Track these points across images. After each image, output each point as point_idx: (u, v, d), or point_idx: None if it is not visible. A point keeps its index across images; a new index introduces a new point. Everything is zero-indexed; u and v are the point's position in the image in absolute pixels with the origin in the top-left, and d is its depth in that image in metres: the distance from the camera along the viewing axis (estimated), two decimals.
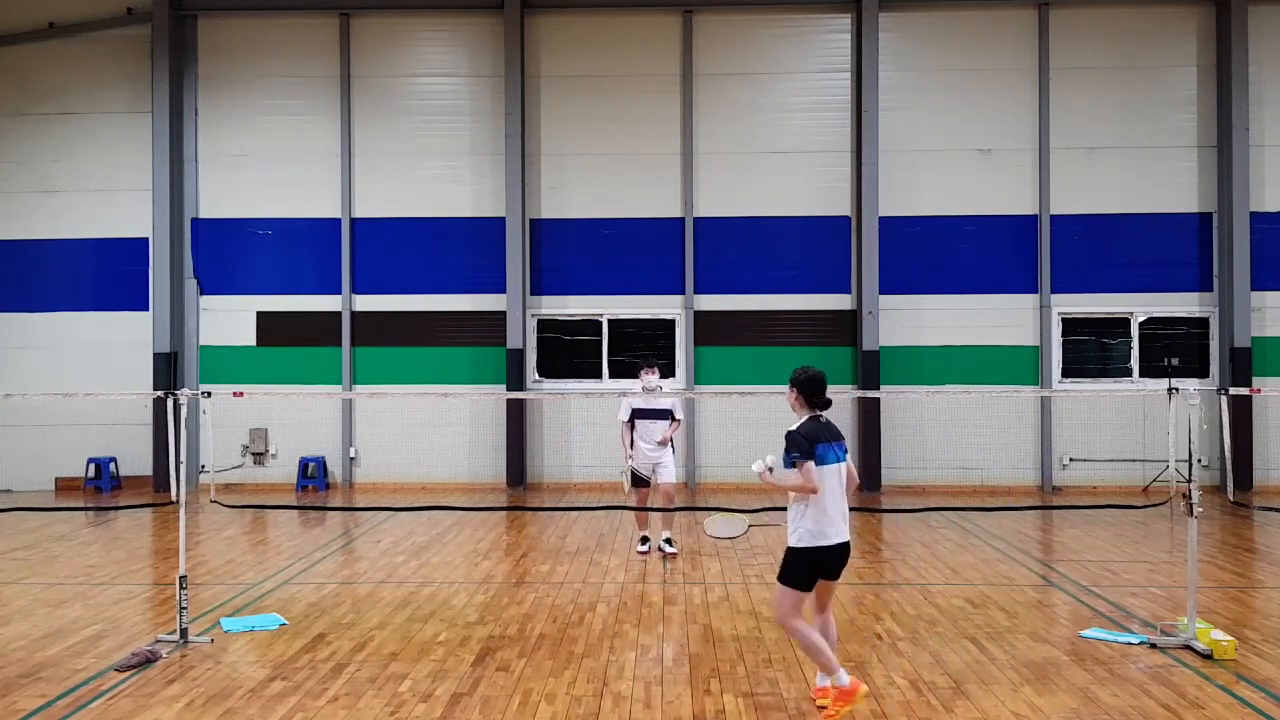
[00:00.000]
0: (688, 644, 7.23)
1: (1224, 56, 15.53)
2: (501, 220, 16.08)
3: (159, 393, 10.70)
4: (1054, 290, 15.89)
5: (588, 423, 15.89)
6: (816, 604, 5.92)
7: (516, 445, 15.91)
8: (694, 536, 11.51)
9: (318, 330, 16.34)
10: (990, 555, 10.46)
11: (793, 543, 5.71)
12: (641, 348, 16.13)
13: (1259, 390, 12.91)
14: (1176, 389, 7.68)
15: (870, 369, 15.52)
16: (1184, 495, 7.22)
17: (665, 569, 9.82)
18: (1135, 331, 15.90)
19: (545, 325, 16.36)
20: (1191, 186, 15.84)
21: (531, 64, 16.24)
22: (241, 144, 16.42)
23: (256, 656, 6.95)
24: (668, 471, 10.58)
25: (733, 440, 15.42)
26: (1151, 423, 15.48)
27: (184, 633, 7.19)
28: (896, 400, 15.71)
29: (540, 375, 16.36)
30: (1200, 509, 7.13)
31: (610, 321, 16.30)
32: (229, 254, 16.47)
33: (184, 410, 7.63)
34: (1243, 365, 15.37)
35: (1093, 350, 16.08)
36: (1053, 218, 15.88)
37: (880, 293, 15.63)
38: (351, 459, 16.33)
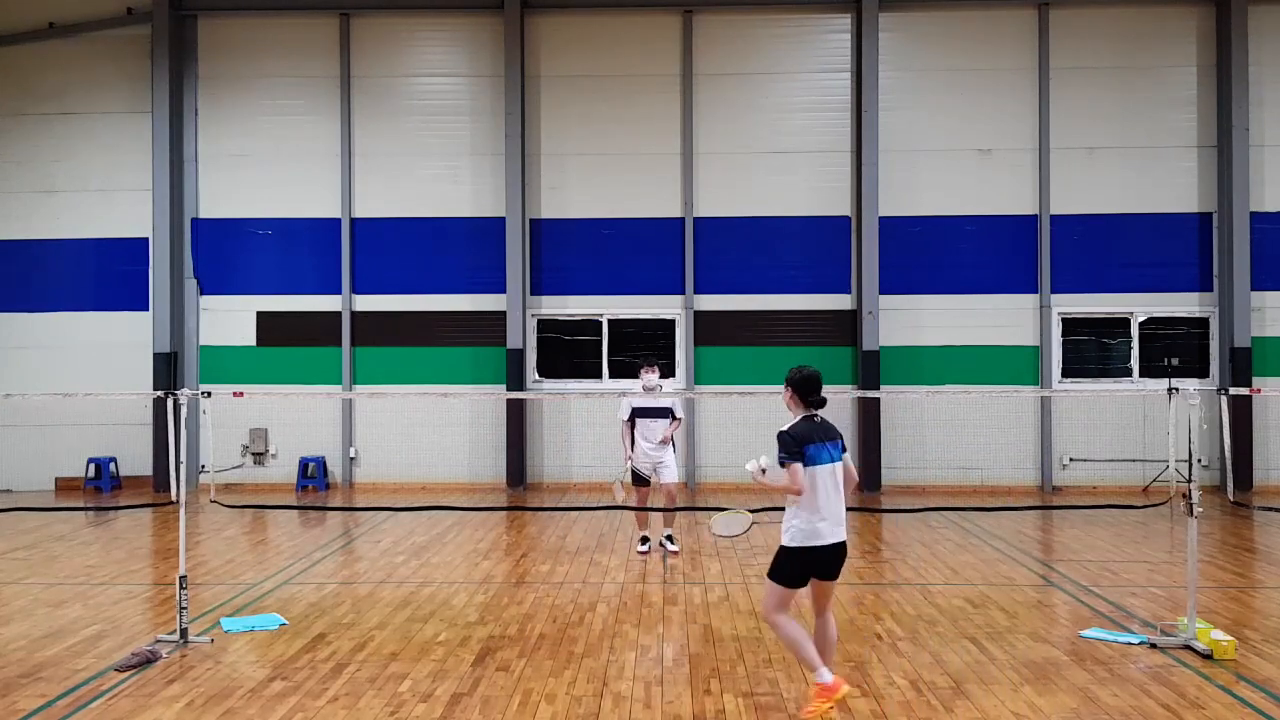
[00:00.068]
0: (688, 644, 7.23)
1: (1224, 56, 15.53)
2: (501, 220, 16.08)
3: (159, 393, 10.71)
4: (1054, 290, 15.89)
5: (588, 423, 15.89)
6: (815, 605, 5.91)
7: (516, 445, 15.91)
8: (694, 536, 11.51)
9: (318, 330, 16.34)
10: (990, 555, 10.46)
11: (784, 541, 5.71)
12: (641, 348, 16.13)
13: (1259, 390, 12.90)
14: (1176, 389, 7.68)
15: (870, 369, 15.53)
16: (1184, 495, 7.23)
17: (665, 569, 9.82)
18: (1135, 331, 15.90)
19: (545, 325, 16.37)
20: (1191, 186, 15.84)
21: (531, 64, 16.25)
22: (241, 144, 16.43)
23: (256, 656, 6.95)
24: (670, 472, 10.58)
25: (733, 440, 15.41)
26: (1151, 423, 15.48)
27: (184, 633, 7.19)
28: (896, 400, 15.71)
29: (540, 375, 16.36)
30: (1200, 509, 7.14)
31: (610, 321, 16.31)
32: (229, 254, 16.47)
33: (184, 410, 7.63)
34: (1243, 365, 15.37)
35: (1093, 350, 16.08)
36: (1053, 218, 15.88)
37: (880, 293, 15.63)
38: (351, 459, 16.33)
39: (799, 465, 5.62)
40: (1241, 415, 15.09)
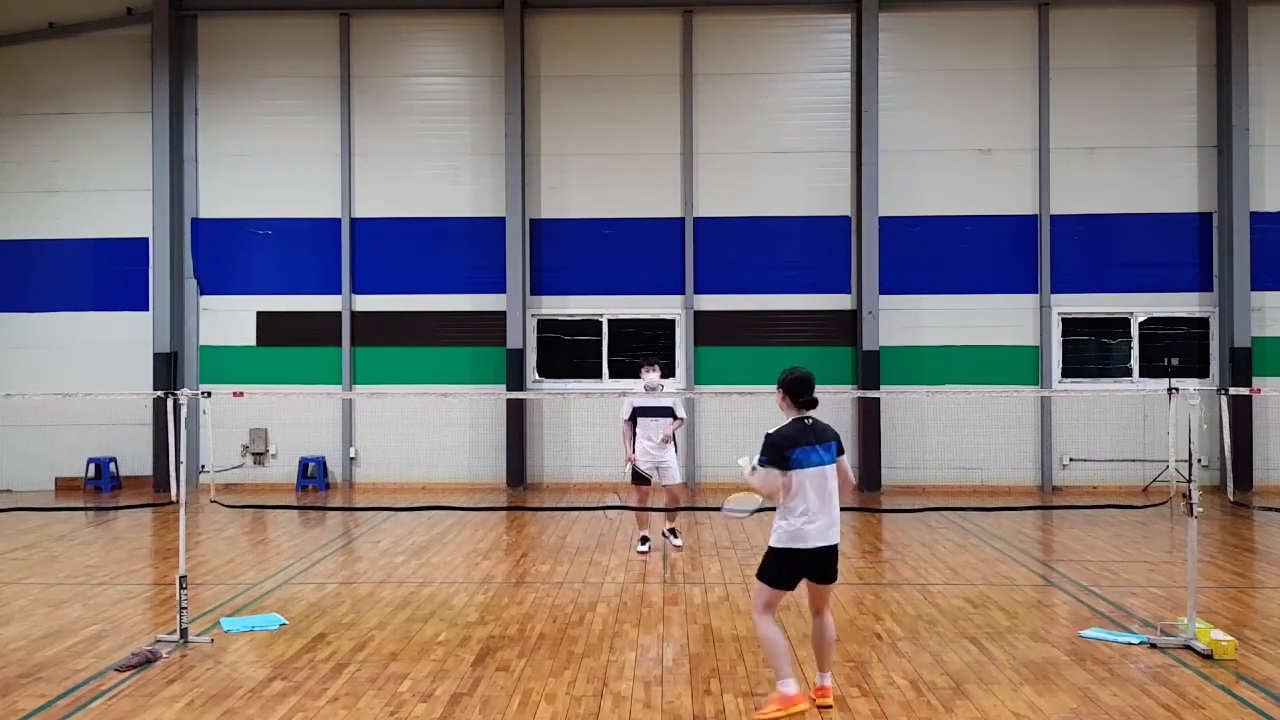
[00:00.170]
0: (688, 644, 7.23)
1: (1224, 56, 15.53)
2: (501, 220, 16.08)
3: (159, 393, 10.71)
4: (1054, 290, 15.89)
5: (588, 423, 15.89)
6: (811, 606, 5.91)
7: (516, 445, 15.91)
8: (694, 536, 11.52)
9: (318, 330, 16.34)
10: (990, 555, 10.46)
11: (771, 541, 5.72)
12: (641, 348, 16.13)
13: (1259, 390, 12.92)
14: (1176, 389, 7.68)
15: (870, 369, 15.52)
16: (1184, 495, 7.22)
17: (665, 568, 9.82)
18: (1135, 331, 15.90)
19: (545, 325, 16.37)
20: (1191, 186, 15.84)
21: (531, 64, 16.25)
22: (241, 144, 16.42)
23: (256, 656, 6.95)
24: (672, 473, 10.61)
25: (733, 440, 15.38)
26: (1151, 423, 15.48)
27: (184, 633, 7.19)
28: (896, 400, 15.71)
29: (540, 375, 16.36)
30: (1200, 509, 7.13)
31: (610, 321, 16.31)
32: (229, 254, 16.47)
33: (184, 410, 7.63)
34: (1243, 365, 15.36)
35: (1093, 350, 16.08)
36: (1053, 218, 15.88)
37: (880, 293, 15.62)
38: (351, 459, 16.33)
39: (774, 471, 5.63)
40: (1241, 415, 15.09)
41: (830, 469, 5.71)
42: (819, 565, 5.68)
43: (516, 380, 15.81)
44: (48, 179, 16.49)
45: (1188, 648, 6.90)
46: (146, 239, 16.23)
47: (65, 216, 16.44)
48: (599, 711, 5.85)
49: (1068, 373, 16.00)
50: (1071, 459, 15.78)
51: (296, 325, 16.35)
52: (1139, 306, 15.91)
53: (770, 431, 5.75)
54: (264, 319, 16.40)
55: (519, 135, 15.95)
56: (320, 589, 9.04)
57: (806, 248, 16.08)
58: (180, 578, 7.21)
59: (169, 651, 6.98)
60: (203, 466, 14.82)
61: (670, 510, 10.48)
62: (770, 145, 16.12)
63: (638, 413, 10.51)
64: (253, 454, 16.31)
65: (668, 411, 10.53)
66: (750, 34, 16.17)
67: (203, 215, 16.48)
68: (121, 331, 16.31)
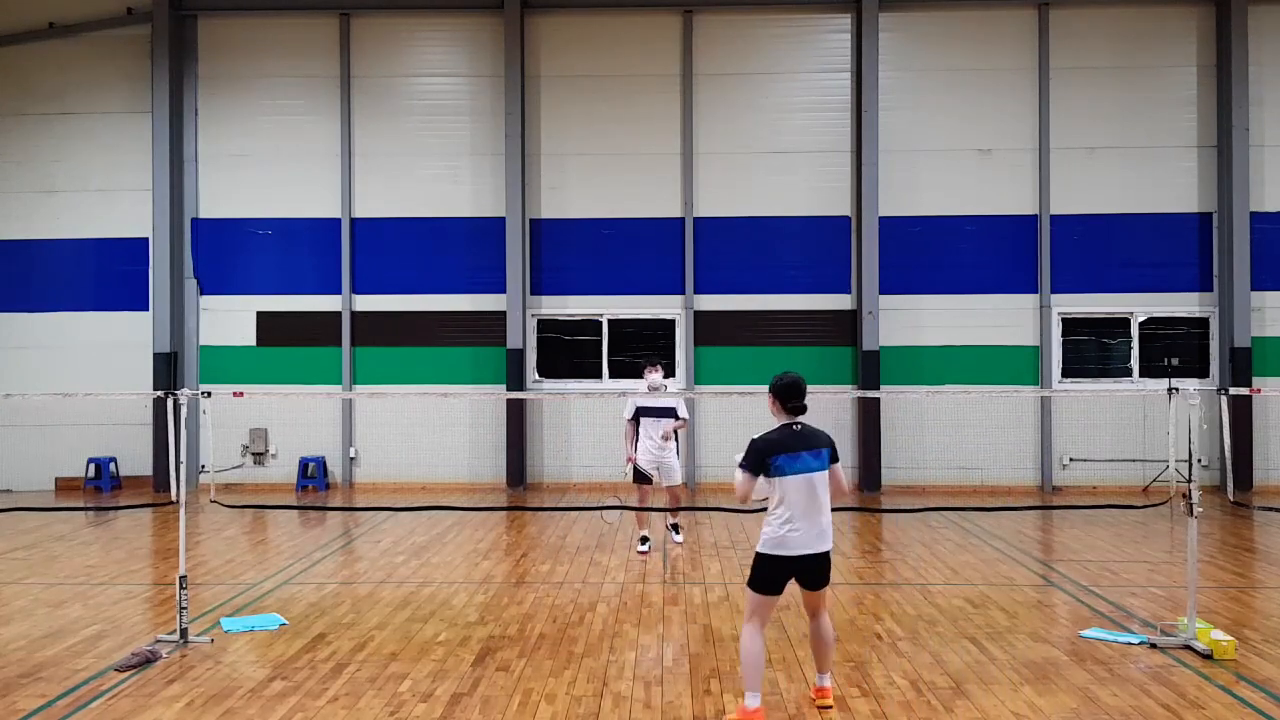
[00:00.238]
0: (688, 644, 7.23)
1: (1224, 56, 15.53)
2: (501, 220, 16.08)
3: (159, 393, 10.70)
4: (1054, 290, 15.89)
5: (588, 423, 15.89)
6: (806, 609, 5.89)
7: (516, 445, 15.91)
8: (694, 536, 11.52)
9: (318, 330, 16.34)
10: (990, 555, 10.46)
11: (757, 546, 5.69)
12: (641, 348, 16.14)
13: (1259, 390, 12.91)
14: (1176, 389, 7.68)
15: (870, 369, 15.52)
16: (1184, 495, 7.22)
17: (666, 568, 9.82)
18: (1135, 331, 15.90)
19: (545, 325, 16.37)
20: (1191, 186, 15.84)
21: (531, 64, 16.24)
22: (241, 144, 16.42)
23: (256, 656, 6.95)
24: (674, 474, 10.74)
25: (733, 440, 15.36)
26: (1151, 423, 15.48)
27: (184, 633, 7.19)
28: (896, 400, 15.70)
29: (540, 375, 16.36)
30: (1200, 509, 7.14)
31: (610, 321, 16.30)
32: (229, 254, 16.47)
33: (184, 410, 7.63)
34: (1243, 365, 15.37)
35: (1093, 350, 16.08)
36: (1053, 218, 15.88)
37: (880, 293, 15.62)
38: (351, 459, 16.33)
39: (749, 476, 5.61)
40: (1241, 415, 15.09)
41: (819, 476, 5.62)
42: (807, 572, 5.62)
43: (516, 380, 15.82)
44: (48, 179, 16.49)
45: (1188, 648, 6.91)
46: (146, 239, 16.23)
47: (65, 216, 16.44)
48: (599, 711, 5.85)
49: (1068, 373, 16.00)
50: (1071, 459, 15.78)
51: (296, 325, 16.35)
52: (1139, 306, 15.91)
53: (756, 436, 5.72)
54: (264, 319, 16.40)
55: (519, 135, 15.95)
56: (320, 589, 9.04)
57: (806, 248, 16.08)
58: (180, 578, 7.21)
59: (169, 651, 6.99)
60: (203, 466, 14.82)
61: (672, 510, 10.58)
62: (770, 145, 16.12)
63: (641, 412, 10.62)
64: (253, 454, 16.31)
65: (671, 412, 10.65)
66: (750, 34, 16.17)
67: (203, 215, 16.48)
68: (121, 331, 16.31)
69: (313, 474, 15.99)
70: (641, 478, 10.66)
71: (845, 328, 16.01)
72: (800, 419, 5.73)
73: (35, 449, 16.04)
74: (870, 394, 14.89)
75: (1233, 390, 7.96)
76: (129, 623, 7.86)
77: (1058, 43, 15.87)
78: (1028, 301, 15.93)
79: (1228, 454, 8.67)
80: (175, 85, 16.13)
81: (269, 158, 16.39)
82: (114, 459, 16.17)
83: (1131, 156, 15.83)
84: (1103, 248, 15.87)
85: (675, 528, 11.08)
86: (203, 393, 8.00)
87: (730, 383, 15.82)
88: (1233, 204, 15.42)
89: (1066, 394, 16.00)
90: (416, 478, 16.06)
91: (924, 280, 15.92)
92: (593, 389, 16.20)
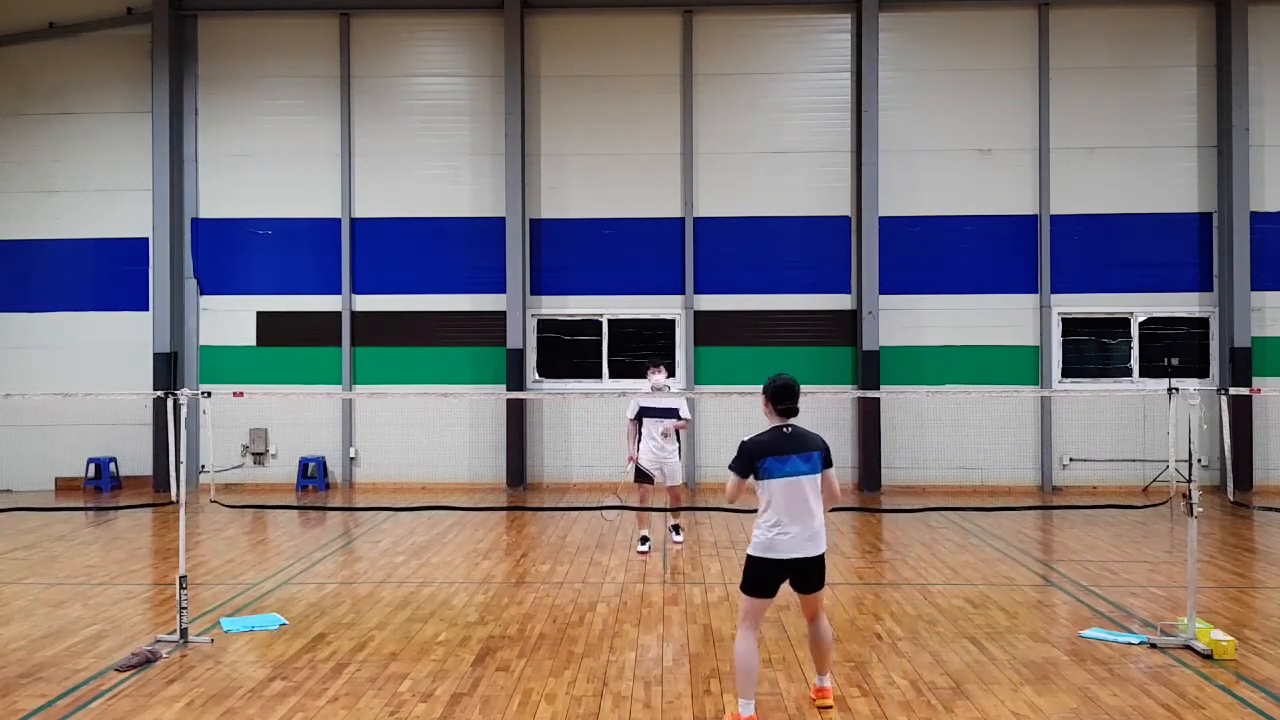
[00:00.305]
0: (688, 644, 7.23)
1: (1224, 56, 15.53)
2: (501, 220, 16.08)
3: (159, 393, 10.70)
4: (1054, 290, 15.89)
5: (588, 423, 15.89)
6: (803, 613, 5.89)
7: (516, 445, 15.91)
8: (694, 536, 11.52)
9: (318, 330, 16.34)
10: (990, 555, 10.46)
11: (748, 548, 5.69)
12: (641, 348, 16.14)
13: (1259, 390, 12.90)
14: (1176, 389, 7.68)
15: (870, 369, 15.52)
16: (1184, 495, 7.23)
17: (666, 568, 9.82)
18: (1135, 331, 15.90)
19: (545, 325, 16.37)
20: (1191, 186, 15.84)
21: (531, 64, 16.25)
22: (241, 144, 16.42)
23: (256, 656, 6.95)
24: (676, 475, 10.80)
25: (733, 440, 15.28)
26: (1151, 423, 15.48)
27: (184, 633, 7.20)
28: (896, 400, 15.71)
29: (540, 375, 16.36)
30: (1200, 509, 7.13)
31: (610, 321, 16.30)
32: (229, 254, 16.47)
33: (184, 410, 7.63)
34: (1243, 365, 15.37)
35: (1093, 350, 16.08)
36: (1053, 218, 15.88)
37: (880, 293, 15.62)
38: (351, 459, 16.33)
39: (737, 478, 5.62)
40: (1241, 415, 15.09)
41: (809, 480, 5.56)
42: (799, 576, 5.58)
43: (516, 380, 15.81)
44: (48, 179, 16.49)
45: (1188, 648, 6.91)
46: (146, 239, 16.23)
47: (65, 216, 16.44)
48: (599, 711, 5.85)
49: (1068, 373, 16.00)
50: (1071, 459, 15.78)
51: (296, 325, 16.35)
52: (1139, 306, 15.91)
53: (745, 438, 5.70)
54: (264, 319, 16.40)
55: (519, 135, 15.95)
56: (320, 589, 9.04)
57: (806, 248, 16.08)
58: (180, 578, 7.21)
59: (169, 651, 6.99)
60: (203, 466, 14.83)
61: (673, 510, 10.63)
62: (770, 145, 16.12)
63: (644, 413, 10.68)
64: (253, 454, 16.31)
65: (673, 412, 10.72)
66: (750, 34, 16.17)
67: (203, 215, 16.48)
68: (121, 331, 16.31)
69: (313, 474, 15.99)
70: (643, 477, 10.70)
71: (845, 328, 16.01)
72: (792, 421, 5.69)
73: (35, 449, 16.04)
74: (870, 394, 14.89)
75: (1233, 390, 7.96)
76: (129, 623, 7.86)
77: (1058, 43, 15.88)
78: (1028, 301, 15.93)
79: (1228, 454, 8.67)
80: (175, 85, 16.13)
81: (269, 158, 16.39)
82: (114, 459, 16.17)
83: (1131, 156, 15.83)
84: (1103, 248, 15.87)
85: (676, 529, 11.13)
86: (203, 393, 8.00)
87: (730, 383, 15.82)
88: (1233, 204, 15.42)
89: (1066, 394, 16.00)
90: (416, 478, 16.06)
91: (924, 280, 15.92)
92: (593, 389, 16.20)
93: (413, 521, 12.48)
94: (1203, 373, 15.89)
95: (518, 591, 8.90)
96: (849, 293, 16.05)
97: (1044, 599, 8.61)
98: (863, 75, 15.75)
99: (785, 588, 5.66)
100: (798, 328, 16.00)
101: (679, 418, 10.74)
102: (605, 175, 16.24)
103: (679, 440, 10.99)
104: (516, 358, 15.86)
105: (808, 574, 5.59)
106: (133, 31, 16.36)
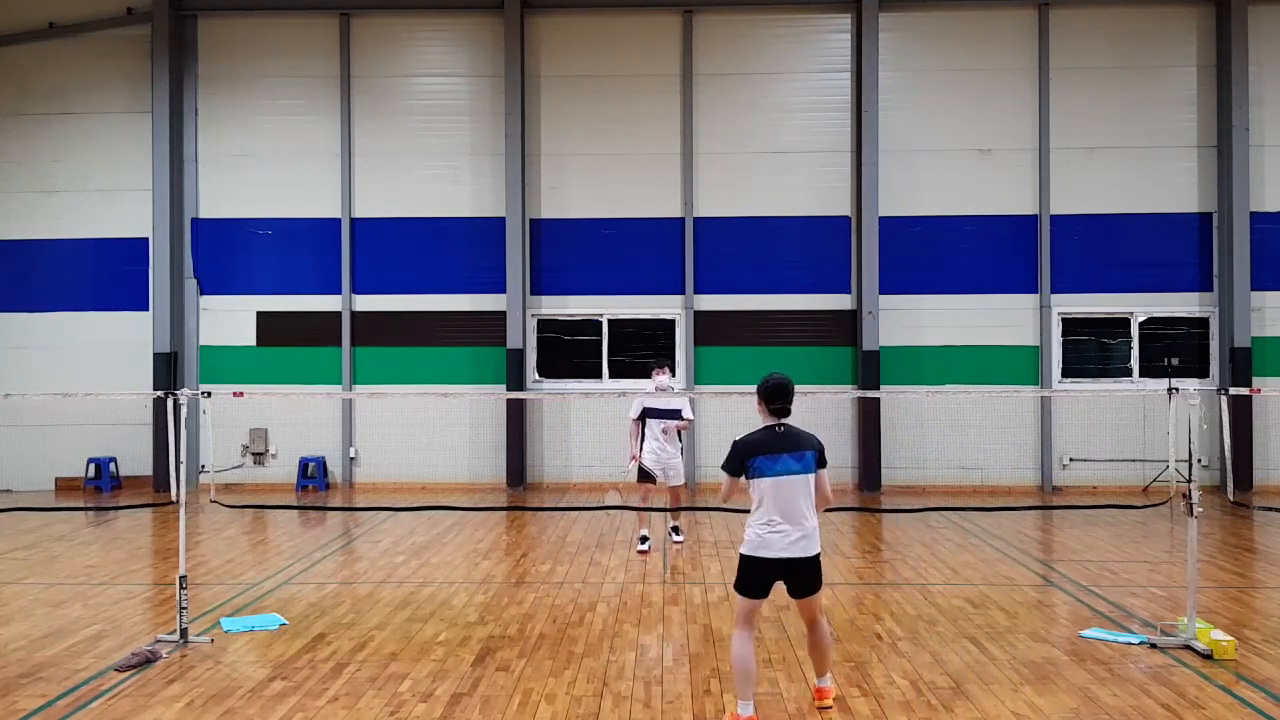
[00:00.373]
0: (688, 644, 7.23)
1: (1224, 56, 15.53)
2: (501, 220, 16.08)
3: (159, 393, 10.70)
4: (1054, 290, 15.89)
5: (588, 423, 15.90)
6: (802, 618, 5.87)
7: (516, 445, 15.91)
8: (695, 536, 11.53)
9: (318, 330, 16.34)
10: (990, 555, 10.46)
11: (741, 547, 5.70)
12: (641, 348, 16.14)
13: (1259, 390, 12.91)
14: (1176, 389, 7.68)
15: (870, 369, 15.52)
16: (1184, 495, 7.22)
17: (666, 568, 9.82)
18: (1135, 331, 15.90)
19: (545, 325, 16.36)
20: (1191, 186, 15.84)
21: (531, 64, 16.25)
22: (241, 144, 16.42)
23: (256, 656, 6.95)
24: (677, 475, 10.82)
25: (733, 440, 15.38)
26: (1151, 423, 15.48)
27: (184, 633, 7.19)
28: (896, 400, 15.70)
29: (540, 375, 16.36)
30: (1200, 509, 7.13)
31: (610, 321, 16.30)
32: (229, 254, 16.47)
33: (184, 410, 7.63)
34: (1243, 365, 15.37)
35: (1093, 350, 16.08)
36: (1053, 218, 15.88)
37: (880, 293, 15.62)
38: (351, 459, 16.33)
39: (729, 477, 5.64)
40: (1241, 415, 15.09)
41: (802, 479, 5.53)
42: (792, 578, 5.55)
43: (516, 380, 15.81)
44: (48, 179, 16.49)
45: (1188, 648, 6.91)
46: (146, 239, 16.23)
47: (65, 216, 16.44)
48: (599, 711, 5.85)
49: (1068, 373, 16.00)
50: (1071, 459, 15.78)
51: (296, 325, 16.35)
52: (1139, 306, 15.91)
53: (738, 437, 5.69)
54: (264, 319, 16.40)
55: (519, 135, 15.95)
56: (320, 589, 9.04)
57: (806, 248, 16.08)
58: (180, 578, 7.21)
59: (169, 651, 6.99)
60: (203, 466, 14.82)
61: (674, 510, 10.65)
62: (770, 145, 16.12)
63: (647, 413, 10.70)
64: (253, 454, 16.31)
65: (677, 413, 10.73)
66: (750, 34, 16.17)
67: (203, 215, 16.48)
68: (121, 331, 16.31)
69: (313, 474, 15.99)
70: (645, 476, 10.71)
71: (845, 328, 16.01)
72: (785, 420, 5.67)
73: (35, 449, 16.04)
74: (870, 394, 14.90)
75: (1233, 390, 7.96)
76: (129, 623, 7.86)
77: (1058, 43, 15.88)
78: (1028, 301, 15.93)
79: (1228, 454, 8.68)
80: (175, 85, 16.13)
81: (269, 158, 16.39)
82: (114, 459, 16.17)
83: (1131, 156, 15.83)
84: (1103, 248, 15.87)
85: (675, 529, 11.14)
86: (203, 393, 8.00)
87: (730, 383, 15.82)
88: (1233, 204, 15.42)
89: (1066, 394, 16.00)
90: (416, 478, 16.06)
91: (924, 280, 15.92)
92: (593, 389, 16.20)
93: (413, 521, 12.48)
94: (1203, 373, 15.89)
95: (518, 591, 8.90)
96: (849, 293, 16.05)
97: (1044, 599, 8.61)
98: (863, 75, 15.75)
99: (783, 589, 5.66)
100: (798, 328, 16.00)
101: (681, 418, 10.75)
102: (605, 175, 16.24)
103: (680, 440, 11.01)
104: (516, 358, 15.86)
105: (801, 576, 5.56)
106: (133, 31, 16.36)
